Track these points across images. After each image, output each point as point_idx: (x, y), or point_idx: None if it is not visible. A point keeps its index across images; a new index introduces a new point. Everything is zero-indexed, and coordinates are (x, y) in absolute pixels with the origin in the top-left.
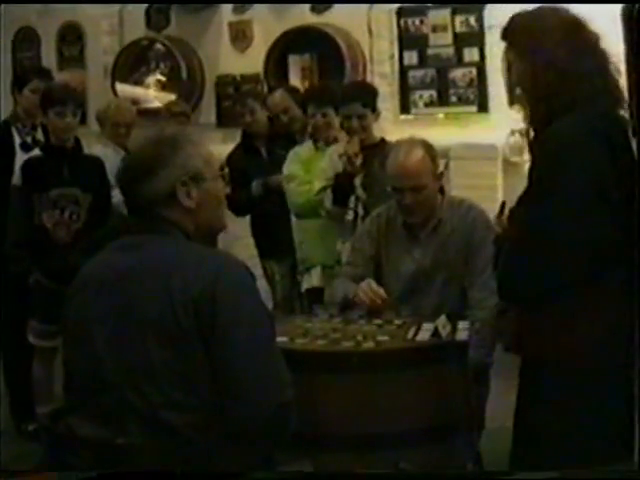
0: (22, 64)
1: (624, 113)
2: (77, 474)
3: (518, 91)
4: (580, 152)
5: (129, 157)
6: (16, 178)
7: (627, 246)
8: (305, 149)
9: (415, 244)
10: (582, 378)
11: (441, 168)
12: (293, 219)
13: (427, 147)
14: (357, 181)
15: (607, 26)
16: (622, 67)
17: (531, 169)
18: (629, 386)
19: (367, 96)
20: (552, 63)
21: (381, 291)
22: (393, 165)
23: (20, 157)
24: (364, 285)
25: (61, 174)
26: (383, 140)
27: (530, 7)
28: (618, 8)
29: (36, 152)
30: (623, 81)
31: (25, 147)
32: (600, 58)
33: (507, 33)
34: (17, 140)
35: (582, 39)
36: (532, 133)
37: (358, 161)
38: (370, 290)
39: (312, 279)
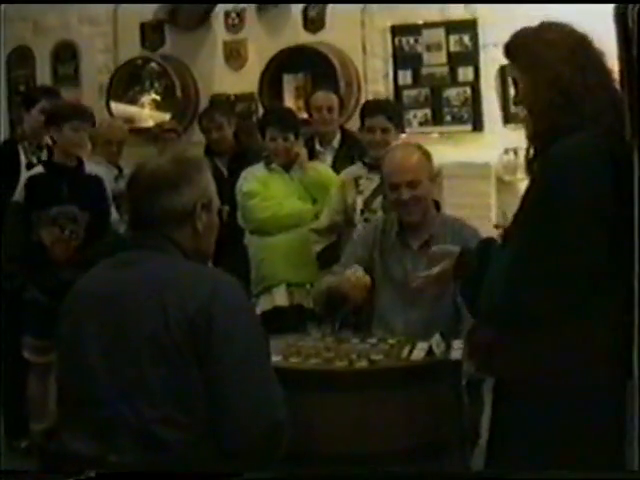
0: (18, 82)
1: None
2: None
3: (522, 109)
4: (583, 175)
5: (148, 169)
6: (18, 194)
7: (621, 271)
8: (258, 170)
9: (408, 255)
10: (557, 399)
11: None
12: (248, 238)
13: (422, 150)
14: (377, 202)
15: (598, 28)
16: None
17: (528, 189)
18: (613, 406)
19: (392, 110)
20: (557, 79)
21: (366, 279)
22: (390, 163)
23: (25, 177)
24: (349, 273)
25: (61, 192)
26: None
27: (525, 24)
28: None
29: (39, 169)
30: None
31: (30, 167)
32: (604, 75)
33: (510, 49)
34: (23, 160)
35: (587, 56)
36: (532, 151)
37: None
38: (354, 279)
39: (274, 298)
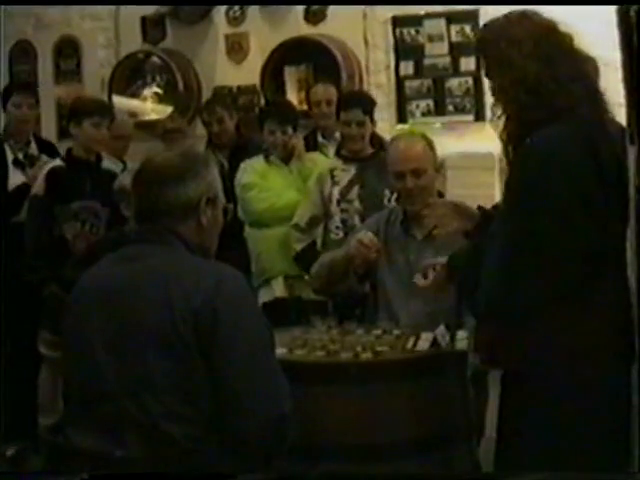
0: (20, 78)
1: (610, 118)
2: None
3: (496, 105)
4: (561, 163)
5: (155, 163)
6: (38, 187)
7: (613, 256)
8: (257, 162)
9: (412, 245)
10: (561, 389)
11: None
12: (247, 230)
13: (427, 139)
14: (353, 192)
15: (602, 30)
16: (619, 73)
17: (507, 183)
18: (620, 396)
19: (367, 104)
20: (522, 78)
21: (375, 240)
22: (395, 151)
23: (13, 174)
24: (359, 234)
25: (83, 187)
26: (377, 152)
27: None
28: (613, 11)
29: (59, 163)
30: (613, 85)
31: (18, 163)
32: (576, 62)
33: (480, 46)
34: (10, 156)
35: (554, 45)
36: (510, 149)
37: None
38: (366, 240)
39: (273, 290)
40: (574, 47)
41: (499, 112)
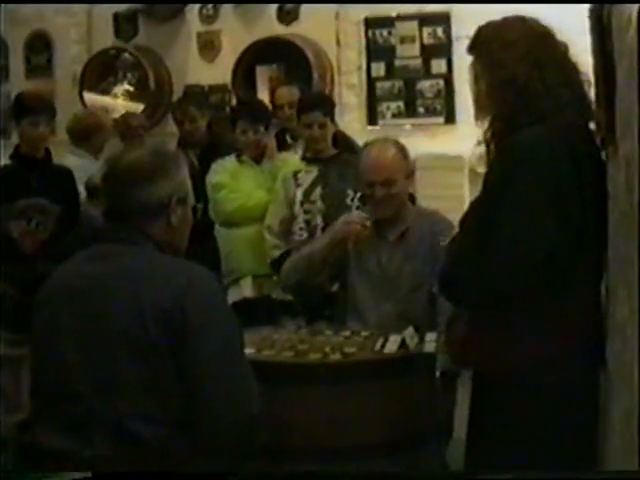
0: None
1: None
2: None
3: (483, 105)
4: (536, 163)
5: (124, 161)
6: None
7: (587, 262)
8: (229, 161)
9: (383, 247)
10: (530, 390)
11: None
12: (217, 229)
13: (399, 146)
14: (315, 193)
15: (575, 33)
16: (591, 76)
17: (486, 178)
18: (586, 400)
19: (327, 106)
20: (512, 80)
21: (363, 214)
22: (366, 160)
23: None
24: (344, 217)
25: (29, 184)
26: (340, 152)
27: (498, 17)
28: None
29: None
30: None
31: None
32: (568, 70)
33: (473, 46)
34: None
35: (547, 52)
36: (492, 147)
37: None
38: (352, 217)
39: (242, 290)
40: (566, 56)
41: (483, 112)
